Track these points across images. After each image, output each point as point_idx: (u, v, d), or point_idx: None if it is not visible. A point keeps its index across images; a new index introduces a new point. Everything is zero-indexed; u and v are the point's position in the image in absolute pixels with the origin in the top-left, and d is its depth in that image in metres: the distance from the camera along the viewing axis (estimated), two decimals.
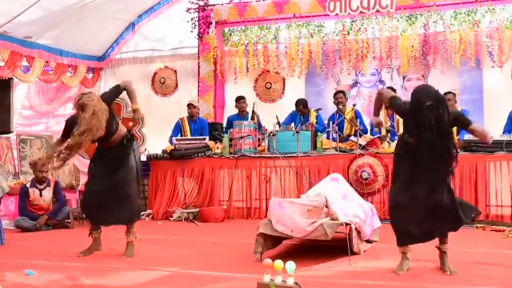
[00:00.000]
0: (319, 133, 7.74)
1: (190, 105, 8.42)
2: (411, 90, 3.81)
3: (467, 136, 6.53)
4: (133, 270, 4.01)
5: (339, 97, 8.08)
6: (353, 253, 4.24)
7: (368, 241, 4.80)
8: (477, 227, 6.03)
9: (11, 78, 8.50)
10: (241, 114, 8.63)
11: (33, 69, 8.92)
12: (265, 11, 9.13)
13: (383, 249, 4.56)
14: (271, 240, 4.39)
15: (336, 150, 7.28)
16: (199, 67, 9.62)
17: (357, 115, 7.84)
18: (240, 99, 8.70)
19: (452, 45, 8.42)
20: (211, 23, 9.46)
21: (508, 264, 4.07)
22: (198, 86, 9.63)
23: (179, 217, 7.30)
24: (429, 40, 8.61)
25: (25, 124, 9.81)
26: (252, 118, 8.21)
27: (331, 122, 7.87)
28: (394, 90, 6.94)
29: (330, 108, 8.53)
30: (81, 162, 7.63)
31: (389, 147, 7.11)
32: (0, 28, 8.02)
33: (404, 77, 9.11)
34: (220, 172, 7.62)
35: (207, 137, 7.99)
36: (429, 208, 3.63)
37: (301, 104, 8.36)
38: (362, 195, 6.13)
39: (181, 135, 8.31)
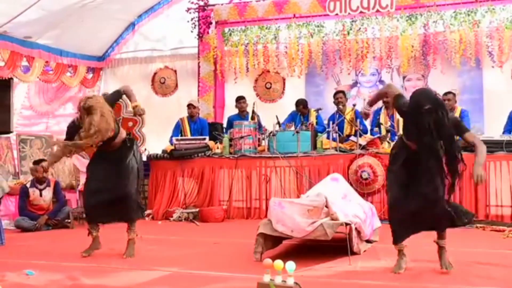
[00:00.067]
0: (319, 134, 7.75)
1: (190, 105, 8.42)
2: (411, 90, 3.82)
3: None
4: (133, 270, 4.01)
5: (339, 97, 8.08)
6: (353, 253, 4.24)
7: (368, 241, 4.80)
8: (477, 227, 6.03)
9: (11, 78, 8.51)
10: (241, 114, 8.63)
11: (33, 69, 8.93)
12: (265, 11, 9.14)
13: (383, 249, 4.56)
14: (271, 240, 4.38)
15: (336, 150, 7.28)
16: (199, 67, 9.62)
17: (357, 115, 7.83)
18: (240, 99, 8.70)
19: (452, 45, 8.42)
20: (211, 23, 9.46)
21: (508, 264, 4.07)
22: (198, 86, 9.63)
23: (179, 217, 7.30)
24: (429, 40, 8.62)
25: (25, 124, 9.82)
26: (252, 118, 8.21)
27: (331, 122, 7.87)
28: None
29: (330, 108, 8.53)
30: (81, 162, 7.62)
31: (389, 147, 7.09)
32: (0, 28, 8.02)
33: (404, 77, 9.11)
34: (220, 172, 7.62)
35: (207, 137, 7.99)
36: (425, 207, 3.64)
37: (301, 104, 8.36)
38: (362, 195, 6.13)
39: (181, 135, 8.31)
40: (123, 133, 4.65)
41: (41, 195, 6.86)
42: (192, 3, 9.46)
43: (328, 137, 7.59)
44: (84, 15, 8.76)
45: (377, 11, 8.50)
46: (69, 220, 6.93)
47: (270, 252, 4.29)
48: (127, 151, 4.63)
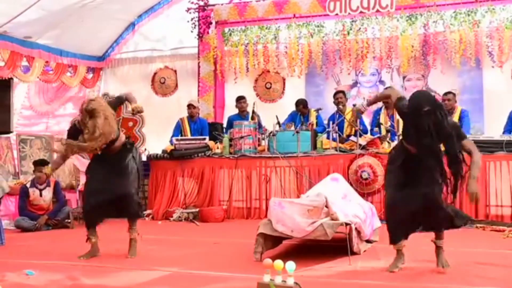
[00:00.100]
0: (318, 134, 7.75)
1: (190, 106, 8.42)
2: (411, 90, 3.83)
3: (468, 136, 6.52)
4: (133, 270, 4.01)
5: (339, 97, 8.08)
6: (353, 253, 4.24)
7: (368, 241, 4.80)
8: (477, 227, 6.03)
9: (11, 78, 8.50)
10: (241, 114, 8.63)
11: (33, 69, 8.93)
12: (265, 11, 9.13)
13: (383, 249, 4.55)
14: (271, 240, 4.38)
15: (336, 150, 7.28)
16: (199, 67, 9.62)
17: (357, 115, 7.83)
18: (240, 99, 8.70)
19: (452, 45, 8.42)
20: (211, 23, 9.46)
21: (508, 264, 4.07)
22: (198, 86, 9.63)
23: (179, 217, 7.30)
24: (429, 40, 8.61)
25: (25, 124, 9.82)
26: (252, 118, 8.21)
27: (331, 122, 7.87)
28: None
29: (330, 108, 8.53)
30: (81, 162, 7.63)
31: (389, 147, 7.10)
32: (0, 28, 8.02)
33: (404, 77, 9.10)
34: (220, 172, 7.62)
35: (207, 137, 7.99)
36: (424, 207, 3.65)
37: (301, 104, 8.36)
38: (362, 195, 6.13)
39: (181, 135, 8.31)
40: (122, 137, 4.68)
41: (41, 195, 6.86)
42: (192, 3, 9.46)
43: (328, 137, 7.59)
44: (84, 15, 8.76)
45: (377, 11, 8.50)
46: (69, 220, 6.93)
47: (270, 252, 4.29)
48: (127, 153, 4.65)
